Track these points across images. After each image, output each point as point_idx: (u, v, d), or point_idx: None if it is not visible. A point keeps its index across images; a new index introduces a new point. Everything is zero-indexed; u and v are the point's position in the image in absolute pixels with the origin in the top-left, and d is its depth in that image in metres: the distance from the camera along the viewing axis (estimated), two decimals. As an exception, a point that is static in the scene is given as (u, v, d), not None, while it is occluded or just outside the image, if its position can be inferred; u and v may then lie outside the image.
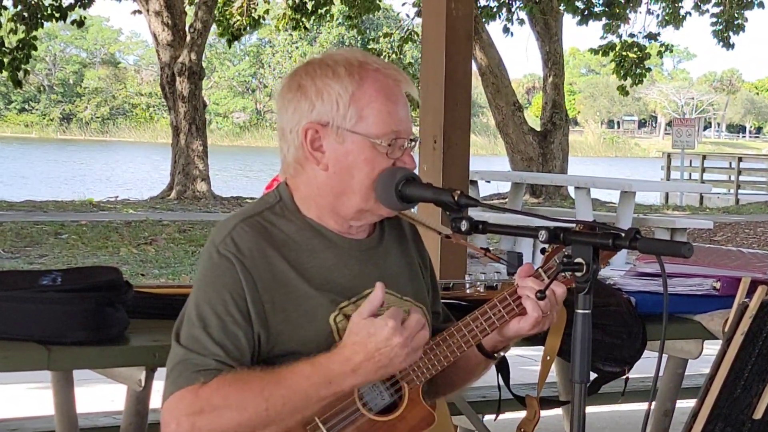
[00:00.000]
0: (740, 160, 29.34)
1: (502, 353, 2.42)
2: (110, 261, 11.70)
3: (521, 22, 21.64)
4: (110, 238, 13.70)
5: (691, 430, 2.41)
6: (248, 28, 20.45)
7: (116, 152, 51.84)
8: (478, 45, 21.46)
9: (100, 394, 4.93)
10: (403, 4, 21.99)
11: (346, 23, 22.92)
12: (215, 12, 20.54)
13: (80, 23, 17.43)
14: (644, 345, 3.19)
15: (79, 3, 17.13)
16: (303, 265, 2.21)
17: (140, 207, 18.95)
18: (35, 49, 17.09)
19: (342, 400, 2.17)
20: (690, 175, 30.19)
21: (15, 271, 4.46)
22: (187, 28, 21.04)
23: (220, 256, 2.17)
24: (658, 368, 2.17)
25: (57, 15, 16.76)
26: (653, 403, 3.55)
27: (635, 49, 21.03)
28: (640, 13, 21.62)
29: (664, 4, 21.31)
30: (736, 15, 20.53)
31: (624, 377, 3.21)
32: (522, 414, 2.59)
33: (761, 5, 20.43)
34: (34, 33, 16.85)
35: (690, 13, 21.45)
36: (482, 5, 20.79)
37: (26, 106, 66.86)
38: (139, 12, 21.37)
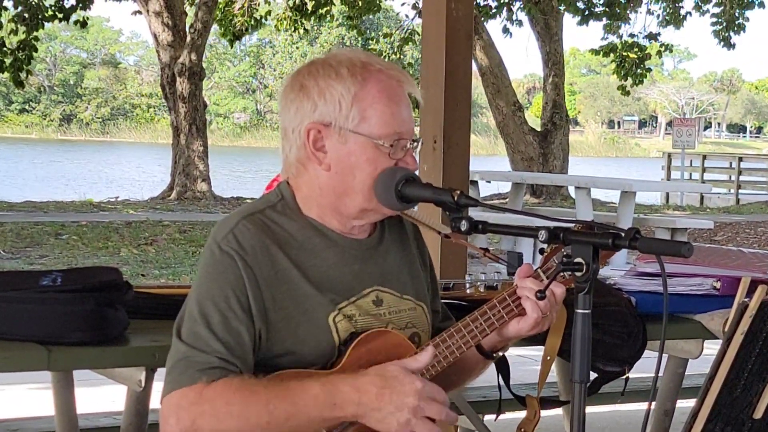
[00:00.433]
0: (741, 160, 29.34)
1: (501, 353, 2.42)
2: (110, 261, 11.71)
3: (520, 23, 21.64)
4: (110, 239, 13.70)
5: (691, 430, 2.40)
6: (250, 28, 20.46)
7: (117, 153, 51.84)
8: (479, 45, 21.46)
9: (101, 394, 4.93)
10: (403, 4, 21.99)
11: (346, 24, 22.92)
12: (217, 12, 20.55)
13: (83, 24, 17.44)
14: (644, 345, 3.19)
15: (80, 4, 17.12)
16: (304, 263, 2.21)
17: (140, 207, 18.95)
18: (36, 50, 17.10)
19: None
20: (690, 175, 30.20)
21: (15, 271, 4.47)
22: (187, 29, 21.05)
23: (222, 252, 2.17)
24: (658, 368, 2.16)
25: (60, 16, 16.76)
26: (653, 402, 3.55)
27: (635, 49, 21.03)
28: (641, 13, 21.63)
29: (664, 4, 21.30)
30: (736, 15, 20.52)
31: (624, 377, 3.21)
32: (522, 414, 2.59)
33: (761, 5, 20.43)
34: (35, 34, 16.85)
35: (690, 13, 21.46)
36: (482, 5, 20.78)
37: (27, 107, 66.87)
38: (140, 12, 21.37)
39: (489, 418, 3.88)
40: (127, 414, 3.01)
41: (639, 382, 4.37)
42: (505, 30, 21.31)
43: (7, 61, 16.72)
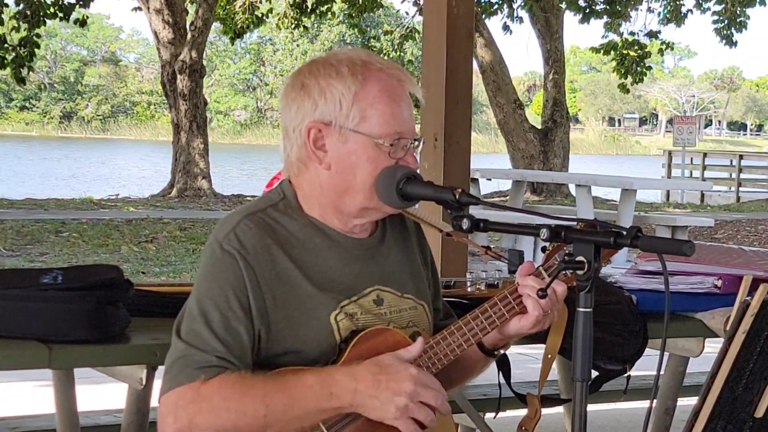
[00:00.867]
0: (741, 157, 29.32)
1: (502, 351, 2.41)
2: (111, 259, 11.71)
3: (520, 20, 21.63)
4: (111, 237, 13.70)
5: (692, 429, 2.40)
6: (251, 26, 20.45)
7: (117, 150, 51.86)
8: (479, 43, 21.46)
9: (101, 392, 4.93)
10: (403, 2, 21.96)
11: (347, 21, 22.91)
12: (218, 10, 20.54)
13: (83, 22, 17.43)
14: (645, 343, 3.19)
15: (80, 2, 17.11)
16: (306, 263, 2.21)
17: (141, 205, 18.95)
18: (38, 46, 17.09)
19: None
20: (691, 172, 30.19)
21: (15, 269, 4.47)
22: (187, 26, 21.04)
23: (223, 251, 2.17)
24: (659, 366, 2.16)
25: (60, 14, 16.76)
26: (654, 401, 3.55)
27: (636, 47, 21.01)
28: (641, 11, 21.62)
29: (665, 2, 21.29)
30: (738, 12, 20.51)
31: (625, 375, 3.21)
32: (523, 412, 2.59)
33: (762, 2, 20.41)
34: (37, 31, 16.85)
35: (691, 11, 21.44)
36: (482, 2, 20.77)
37: (27, 104, 66.87)
38: (140, 9, 21.36)
39: (490, 416, 3.88)
40: (128, 412, 3.01)
41: (640, 380, 4.37)
42: (506, 27, 21.30)
43: (9, 57, 16.72)
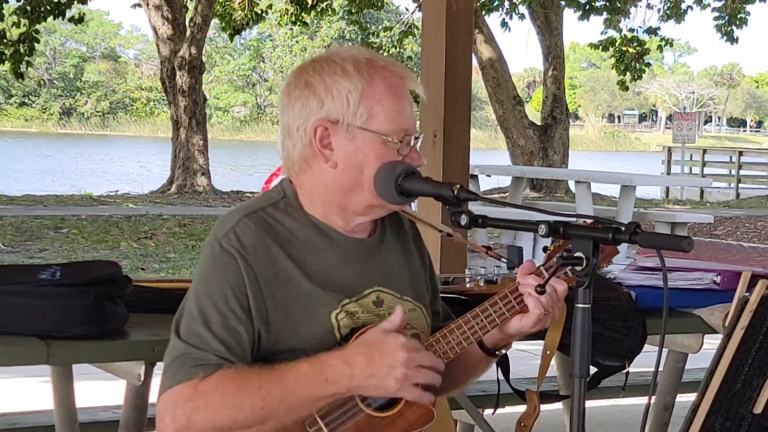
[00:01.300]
0: (741, 154, 29.33)
1: (503, 351, 2.40)
2: (110, 255, 11.70)
3: (521, 16, 21.63)
4: (110, 233, 13.70)
5: (691, 425, 2.40)
6: (250, 22, 20.44)
7: (116, 146, 51.85)
8: (479, 39, 21.45)
9: (100, 388, 4.93)
10: (403, -2, 21.97)
11: (346, 18, 22.90)
12: (217, 6, 20.53)
13: (79, 20, 17.41)
14: (644, 339, 3.18)
15: (77, -2, 17.10)
16: (305, 262, 2.21)
17: (140, 201, 18.95)
18: (37, 41, 17.08)
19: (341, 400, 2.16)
20: (690, 169, 30.20)
21: (14, 265, 4.47)
22: (187, 22, 21.03)
23: (222, 250, 2.16)
24: (657, 363, 2.16)
25: (56, 11, 16.74)
26: (653, 397, 3.55)
27: (635, 44, 21.01)
28: (641, 7, 21.61)
29: (664, -2, 21.29)
30: (738, 9, 20.50)
31: (624, 371, 3.21)
32: (522, 408, 2.59)
33: (762, -1, 20.40)
34: (36, 27, 16.84)
35: (691, 8, 21.44)
36: (482, -1, 20.78)
37: (26, 101, 66.85)
38: (139, 6, 21.35)
39: (489, 412, 3.88)
40: (126, 408, 3.01)
41: (639, 376, 4.37)
42: (504, 24, 21.29)
43: (8, 52, 16.71)
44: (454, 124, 5.02)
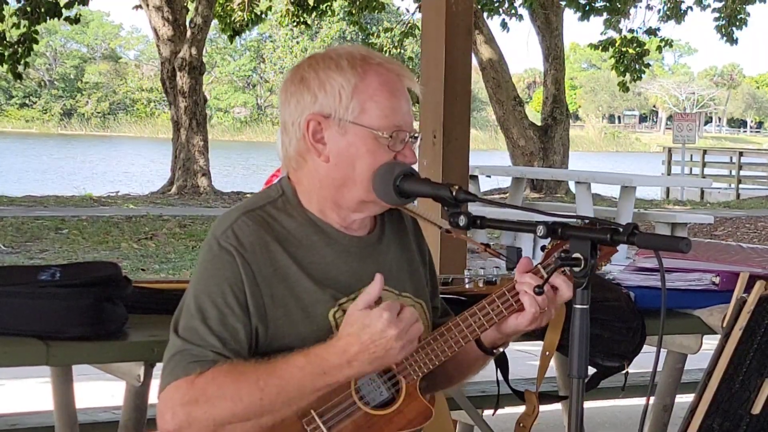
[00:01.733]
0: (741, 155, 29.31)
1: (501, 349, 2.41)
2: (111, 256, 11.71)
3: (520, 17, 21.63)
4: (111, 234, 13.71)
5: (689, 425, 2.40)
6: (250, 24, 20.43)
7: (117, 147, 51.84)
8: (479, 40, 21.45)
9: (100, 389, 4.94)
10: (403, -1, 21.96)
11: (347, 18, 22.90)
12: (216, 7, 20.53)
13: (76, 20, 17.40)
14: (643, 340, 3.19)
15: (77, -1, 17.10)
16: (304, 260, 2.21)
17: (141, 202, 18.95)
18: (36, 42, 17.08)
19: (339, 393, 2.16)
20: (691, 169, 30.19)
21: (14, 266, 4.46)
22: (187, 23, 21.03)
23: (220, 248, 2.17)
24: (656, 363, 2.16)
25: (53, 11, 16.73)
26: (652, 397, 3.55)
27: (634, 44, 21.01)
28: (641, 8, 21.61)
29: (665, -1, 21.30)
30: (738, 9, 20.51)
31: (623, 372, 3.21)
32: (521, 409, 2.59)
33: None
34: (36, 27, 16.84)
35: (691, 8, 21.44)
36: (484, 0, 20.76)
37: (27, 102, 66.84)
38: (140, 7, 21.35)
39: (488, 413, 3.89)
40: (126, 409, 3.01)
41: (638, 377, 4.37)
42: (504, 25, 21.28)
43: (6, 53, 16.71)
44: (454, 125, 5.03)
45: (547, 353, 2.65)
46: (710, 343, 3.04)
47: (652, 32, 21.25)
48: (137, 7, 21.50)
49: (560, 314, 2.57)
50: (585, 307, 2.05)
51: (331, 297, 2.21)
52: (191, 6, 21.38)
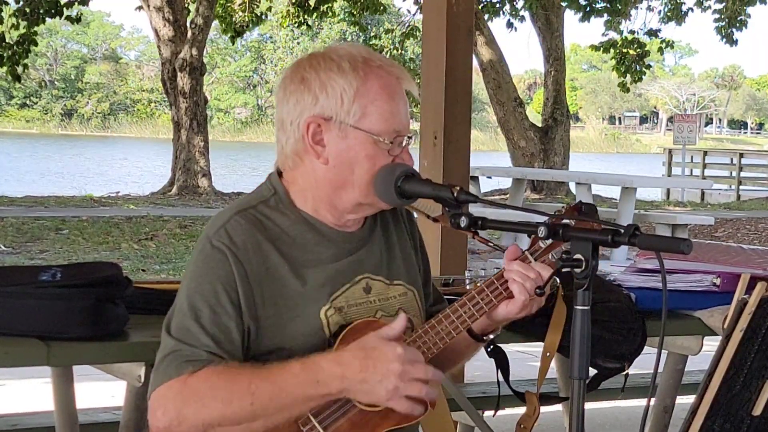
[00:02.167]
0: (741, 156, 29.30)
1: (491, 336, 2.41)
2: (111, 257, 11.71)
3: (522, 18, 21.64)
4: (111, 234, 13.71)
5: (690, 427, 2.40)
6: (250, 24, 20.44)
7: (117, 148, 51.84)
8: (480, 41, 21.45)
9: (100, 389, 4.94)
10: (404, 0, 21.94)
11: (348, 19, 22.90)
12: (217, 8, 20.54)
13: (77, 19, 17.40)
14: (644, 341, 3.19)
15: (77, -1, 17.10)
16: (296, 259, 2.21)
17: (141, 202, 18.95)
18: (36, 44, 17.09)
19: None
20: (691, 171, 30.17)
21: (14, 266, 4.47)
22: (188, 24, 21.03)
23: (213, 248, 2.17)
24: (657, 364, 2.16)
25: (53, 11, 16.73)
26: (653, 399, 3.55)
27: (635, 46, 21.02)
28: (641, 9, 21.62)
29: (665, 0, 21.29)
30: (738, 11, 20.51)
31: (624, 373, 3.21)
32: (522, 410, 2.59)
33: (763, 1, 20.40)
34: (35, 28, 16.84)
35: (692, 9, 21.44)
36: (486, 1, 20.77)
37: (27, 102, 66.87)
38: (141, 8, 21.35)
39: (489, 414, 3.88)
40: (126, 409, 3.01)
41: (639, 378, 4.37)
42: (509, 24, 21.28)
43: (6, 55, 16.71)
44: (455, 126, 5.03)
45: (548, 354, 2.65)
46: (711, 344, 3.04)
47: (653, 33, 21.26)
48: (139, 8, 21.50)
49: (561, 315, 2.58)
50: (586, 308, 2.05)
51: (323, 295, 2.21)
52: (192, 7, 21.39)
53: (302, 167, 2.25)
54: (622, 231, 2.03)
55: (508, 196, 15.93)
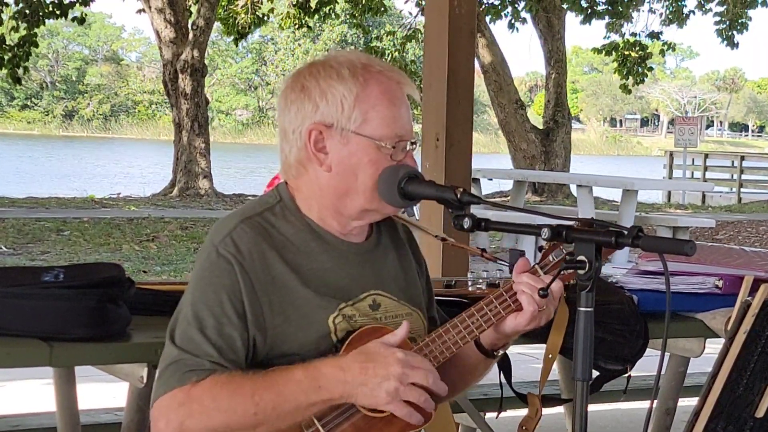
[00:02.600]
0: (743, 158, 29.30)
1: (501, 351, 2.41)
2: (112, 258, 11.70)
3: (523, 20, 21.65)
4: (112, 235, 13.70)
5: (693, 429, 2.40)
6: (253, 26, 20.44)
7: (118, 149, 51.86)
8: (481, 43, 21.45)
9: (102, 390, 4.94)
10: (406, 2, 21.91)
11: (349, 21, 22.92)
12: (219, 10, 20.54)
13: (81, 20, 17.42)
14: (646, 343, 3.19)
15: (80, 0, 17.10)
16: (302, 267, 2.21)
17: (142, 204, 18.95)
18: (36, 46, 17.08)
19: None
20: (692, 173, 30.18)
21: (17, 267, 4.47)
22: (189, 26, 21.04)
23: (219, 256, 2.16)
24: (660, 366, 2.16)
25: (58, 12, 16.74)
26: (655, 401, 3.55)
27: (637, 48, 21.03)
28: (643, 11, 21.62)
29: (667, 3, 21.31)
30: (739, 14, 20.52)
31: (626, 375, 3.21)
32: (524, 412, 2.59)
33: (764, 3, 20.41)
34: (35, 30, 16.83)
35: (693, 12, 21.45)
36: (487, 3, 20.78)
37: (28, 103, 66.87)
38: (143, 11, 21.36)
39: (491, 415, 3.88)
40: (128, 410, 3.01)
41: (641, 380, 4.37)
42: (511, 25, 21.28)
43: (6, 57, 16.70)
44: (456, 128, 5.03)
45: (550, 356, 2.65)
46: (713, 346, 3.05)
47: (654, 36, 21.28)
48: (141, 10, 21.50)
49: (563, 317, 2.57)
50: (589, 310, 2.05)
51: (330, 303, 2.20)
52: (193, 8, 21.40)
53: (306, 176, 2.25)
54: (626, 233, 2.03)
55: (509, 198, 15.93)
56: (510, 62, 22.79)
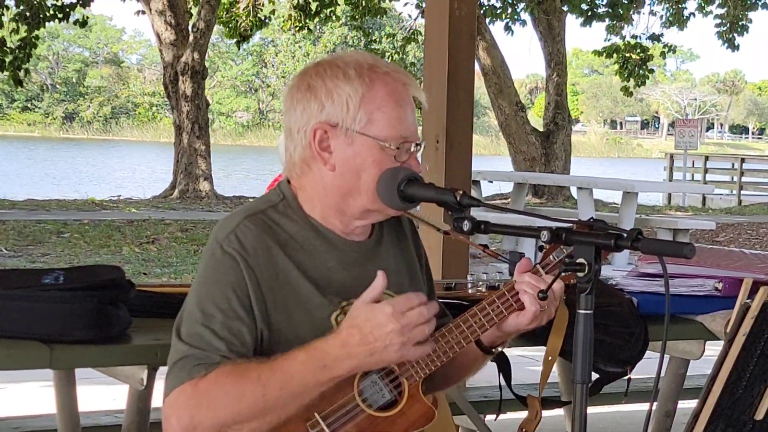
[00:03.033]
0: (743, 161, 29.30)
1: (500, 348, 2.42)
2: (112, 260, 11.71)
3: (523, 23, 21.66)
4: (112, 237, 13.71)
5: (692, 431, 2.41)
6: (254, 28, 20.45)
7: (119, 151, 51.88)
8: (481, 45, 21.46)
9: (102, 392, 4.94)
10: (405, 4, 21.96)
11: (349, 23, 22.93)
12: (221, 13, 20.55)
13: (83, 23, 17.44)
14: (646, 345, 3.19)
15: (80, 2, 17.11)
16: (305, 264, 2.22)
17: (142, 206, 18.95)
18: (36, 47, 17.10)
19: (342, 395, 2.17)
20: (692, 176, 30.18)
21: (17, 269, 4.47)
22: (190, 28, 21.05)
23: (223, 253, 2.17)
24: (659, 369, 2.17)
25: (60, 15, 16.75)
26: (655, 403, 3.55)
27: (638, 50, 21.04)
28: (643, 14, 21.65)
29: (667, 5, 21.32)
30: (740, 16, 20.54)
31: (626, 378, 3.21)
32: (524, 414, 2.59)
33: (765, 6, 20.43)
34: (36, 32, 16.85)
35: (694, 14, 21.47)
36: (486, 5, 20.78)
37: (29, 105, 66.92)
38: (143, 12, 21.37)
39: (490, 418, 3.89)
40: (128, 412, 3.01)
41: (640, 382, 4.37)
42: (507, 28, 21.30)
43: (7, 59, 16.71)
44: (457, 130, 5.03)
45: (550, 358, 2.65)
46: (712, 349, 3.05)
47: (655, 38, 21.29)
48: (140, 12, 21.51)
49: (563, 319, 2.58)
50: (589, 312, 2.05)
51: (332, 301, 2.21)
52: (194, 10, 21.41)
53: (310, 174, 2.26)
54: (625, 235, 2.03)
55: (509, 200, 15.93)
56: (510, 64, 22.80)
